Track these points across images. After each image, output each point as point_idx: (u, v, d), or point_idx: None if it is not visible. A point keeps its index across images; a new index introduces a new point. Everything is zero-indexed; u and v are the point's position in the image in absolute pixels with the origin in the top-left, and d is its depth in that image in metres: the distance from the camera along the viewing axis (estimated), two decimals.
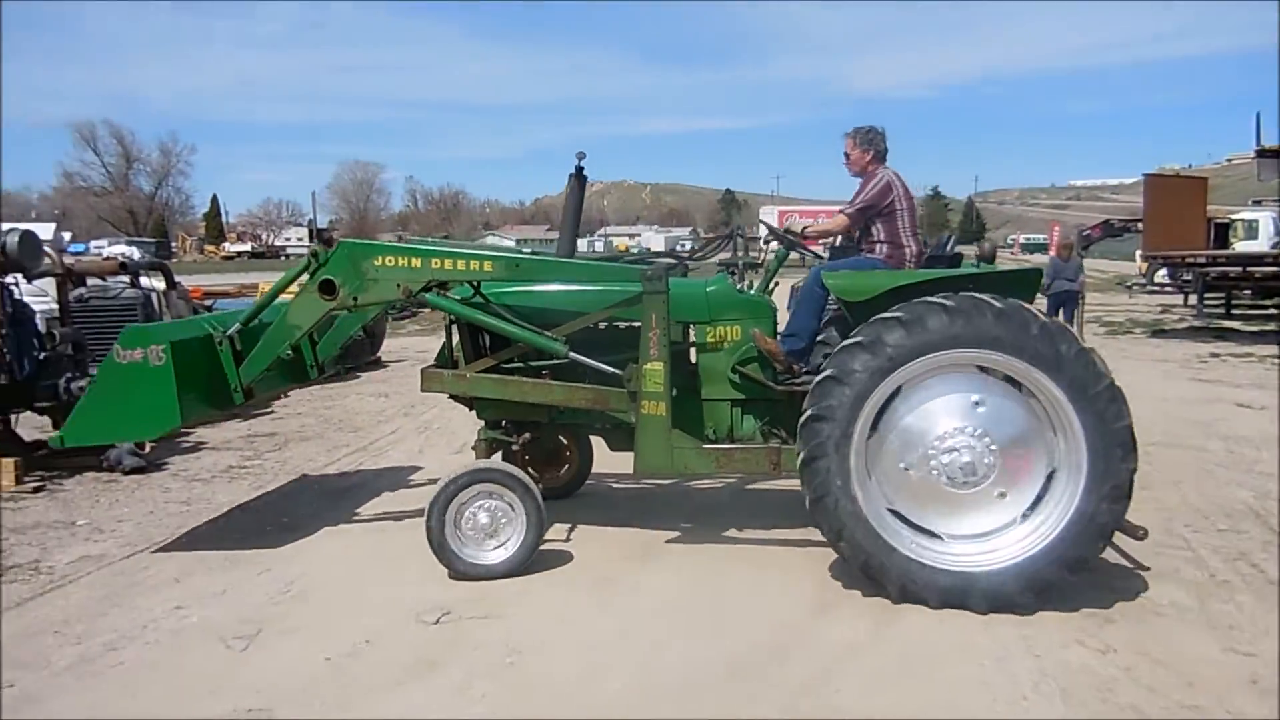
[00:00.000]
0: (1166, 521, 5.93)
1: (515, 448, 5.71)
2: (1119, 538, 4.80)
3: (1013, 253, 74.99)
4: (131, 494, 6.99)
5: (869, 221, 5.46)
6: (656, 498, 6.74)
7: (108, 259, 13.39)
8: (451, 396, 5.74)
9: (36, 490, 7.02)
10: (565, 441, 6.51)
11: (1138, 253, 30.46)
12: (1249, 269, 19.59)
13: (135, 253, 33.14)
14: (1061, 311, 15.31)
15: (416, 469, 7.63)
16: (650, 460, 5.07)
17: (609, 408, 5.24)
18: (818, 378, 4.60)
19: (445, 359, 5.68)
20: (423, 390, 5.58)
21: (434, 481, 5.36)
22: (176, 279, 11.43)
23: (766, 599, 4.74)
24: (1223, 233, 23.18)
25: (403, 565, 5.19)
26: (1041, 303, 15.77)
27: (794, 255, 6.10)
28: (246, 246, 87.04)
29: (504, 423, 5.66)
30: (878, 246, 5.42)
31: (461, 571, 4.98)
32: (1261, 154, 20.79)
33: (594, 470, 6.70)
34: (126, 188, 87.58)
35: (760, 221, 6.20)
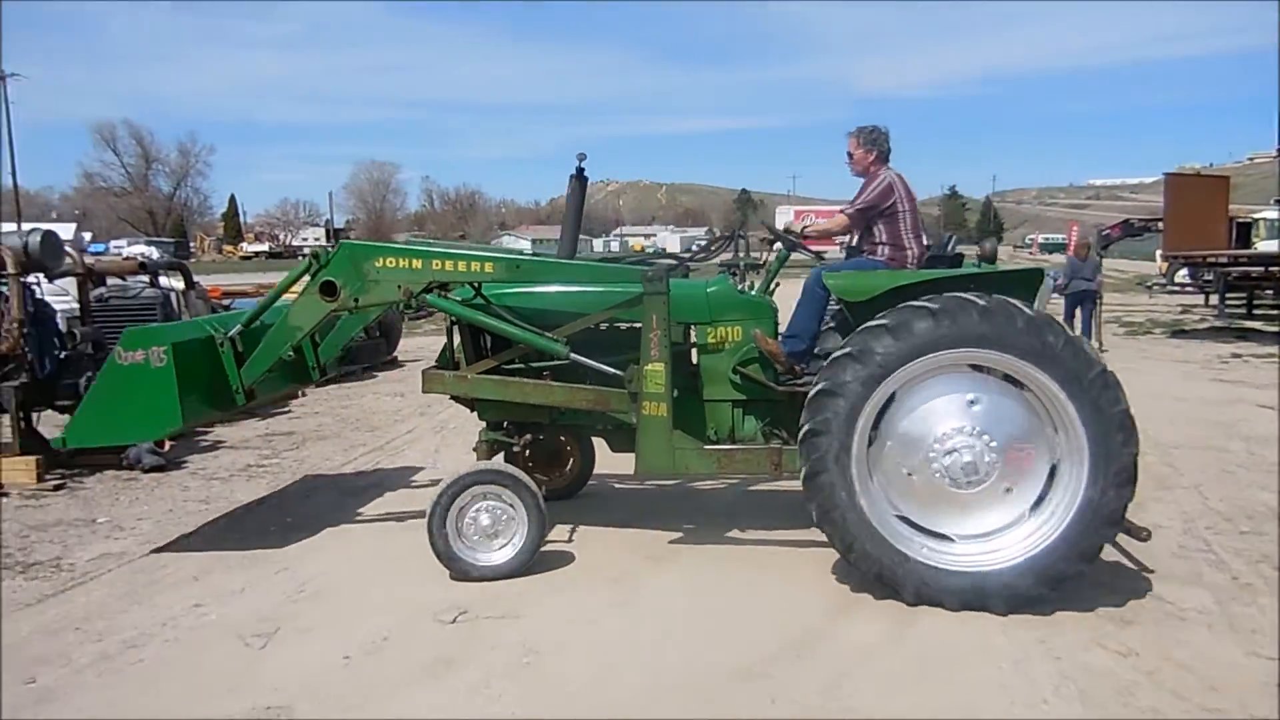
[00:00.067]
0: (1188, 524, 5.88)
1: (516, 449, 5.73)
2: (1138, 543, 4.76)
3: (1031, 252, 74.55)
4: (151, 492, 7.04)
5: (871, 223, 5.43)
6: (669, 498, 6.73)
7: (127, 259, 13.48)
8: (453, 398, 5.75)
9: (57, 488, 7.08)
10: (567, 442, 6.51)
11: (1158, 252, 30.19)
12: (1271, 269, 19.37)
13: (154, 253, 33.47)
14: (1079, 311, 15.22)
15: (433, 468, 7.65)
16: (651, 461, 5.06)
17: (610, 409, 5.24)
18: (811, 392, 4.61)
19: (447, 360, 5.68)
20: (424, 392, 5.58)
21: None
22: (195, 279, 11.50)
23: (781, 600, 4.72)
24: (1245, 232, 22.96)
25: (420, 564, 5.19)
26: (1059, 302, 15.77)
27: (804, 256, 6.07)
28: (264, 247, 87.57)
29: (505, 424, 5.67)
30: (879, 248, 5.40)
31: (463, 573, 4.98)
32: None
33: (606, 471, 6.69)
34: (146, 188, 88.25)
35: (762, 223, 6.20)
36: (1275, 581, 4.90)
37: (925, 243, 5.53)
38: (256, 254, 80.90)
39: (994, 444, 4.51)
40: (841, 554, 4.65)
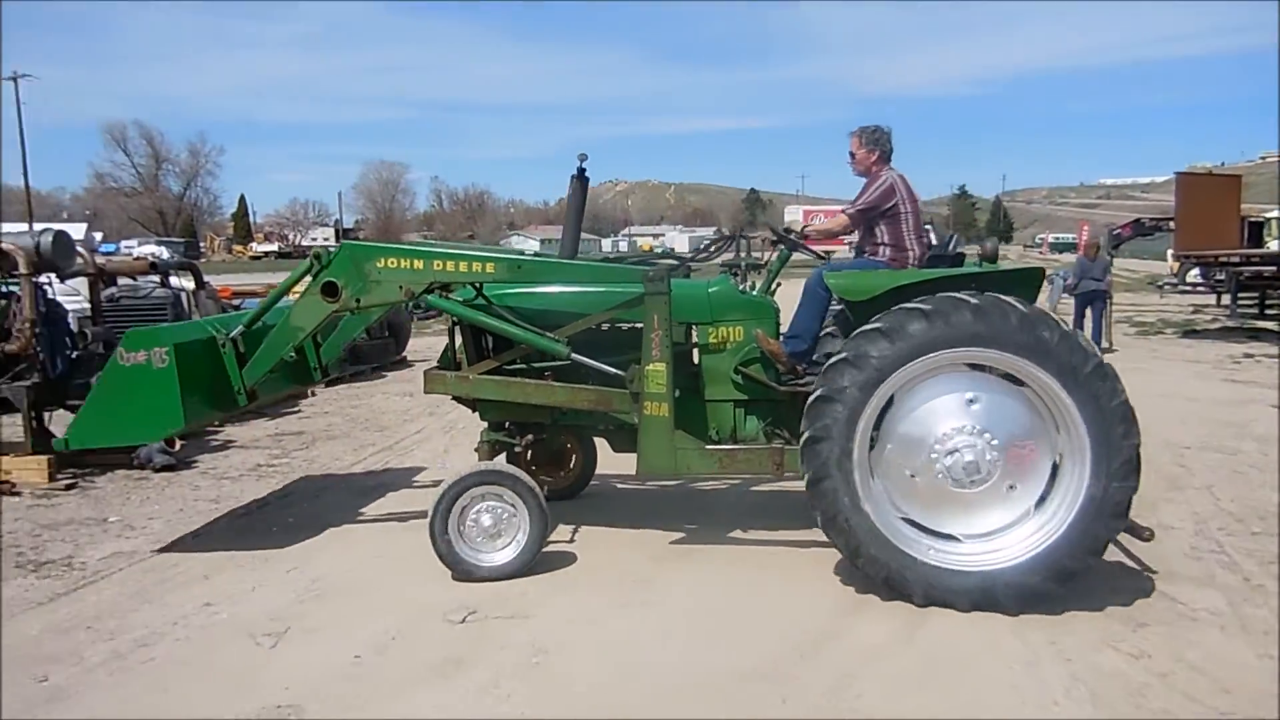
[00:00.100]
0: (1200, 525, 5.85)
1: (518, 449, 5.73)
2: (1153, 545, 4.73)
3: (1041, 252, 74.26)
4: (162, 491, 7.07)
5: (873, 223, 5.42)
6: (675, 499, 6.72)
7: (138, 259, 13.56)
8: (455, 398, 5.75)
9: (69, 487, 7.12)
10: (569, 443, 6.51)
11: (1169, 252, 29.99)
12: None
13: (164, 253, 33.54)
14: (1090, 311, 15.18)
15: (442, 468, 7.66)
16: (653, 461, 5.06)
17: (611, 409, 5.24)
18: (809, 399, 4.60)
19: (448, 361, 5.69)
20: (426, 392, 5.58)
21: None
22: (205, 279, 11.55)
23: (789, 600, 4.72)
24: (1257, 231, 22.79)
25: (428, 564, 5.19)
26: (1070, 302, 15.72)
27: (806, 256, 6.06)
28: (274, 246, 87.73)
29: (507, 424, 5.67)
30: (881, 248, 5.39)
31: (465, 574, 4.98)
32: None
33: (612, 472, 6.69)
34: (156, 188, 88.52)
35: (765, 224, 6.19)
36: None
37: (930, 241, 5.52)
38: (266, 254, 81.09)
39: (995, 442, 4.51)
40: (849, 559, 4.64)
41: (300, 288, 5.56)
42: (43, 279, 8.21)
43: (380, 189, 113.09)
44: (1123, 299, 24.12)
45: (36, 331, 7.66)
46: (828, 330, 5.49)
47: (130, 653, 4.23)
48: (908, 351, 4.45)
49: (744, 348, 5.32)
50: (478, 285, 5.36)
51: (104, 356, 7.96)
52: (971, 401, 4.56)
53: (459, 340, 5.60)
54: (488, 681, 3.90)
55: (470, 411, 5.85)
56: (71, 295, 10.82)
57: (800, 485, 4.73)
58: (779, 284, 5.99)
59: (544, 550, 5.42)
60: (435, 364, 5.84)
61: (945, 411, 4.57)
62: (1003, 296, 4.47)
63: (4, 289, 8.30)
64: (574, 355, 5.12)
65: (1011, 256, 69.01)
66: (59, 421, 8.02)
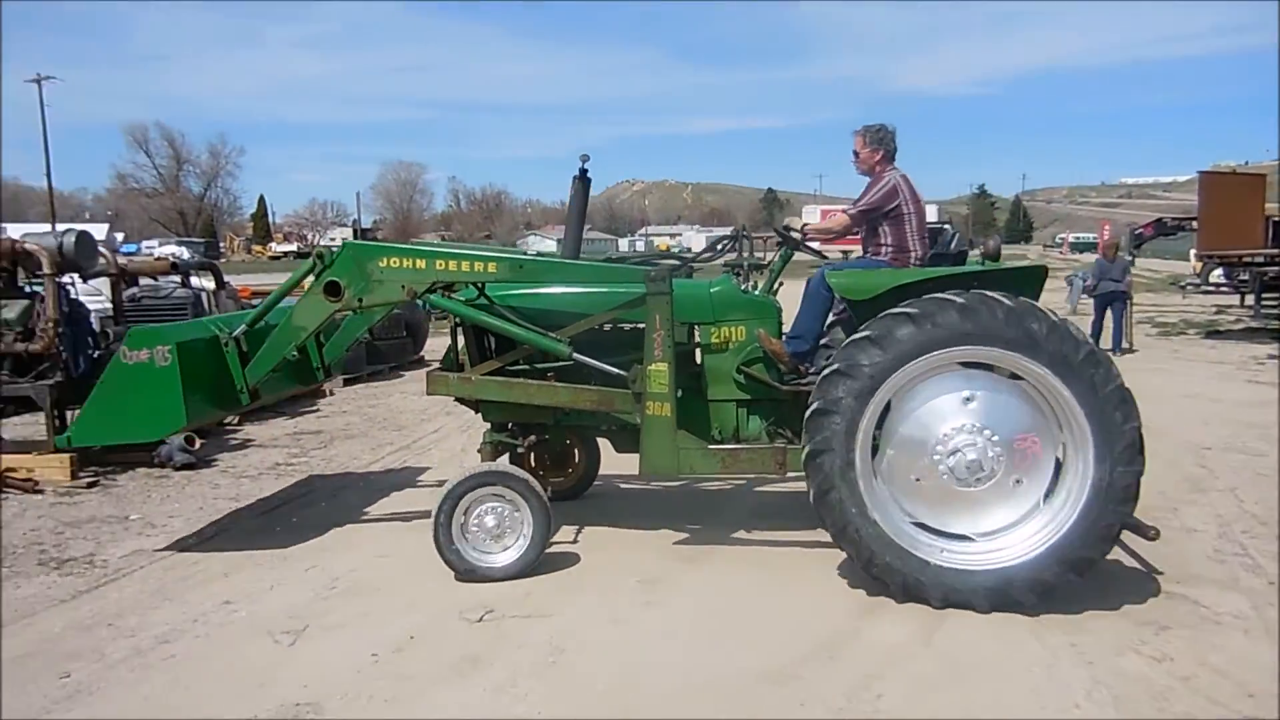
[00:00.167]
0: (1223, 527, 5.79)
1: (521, 450, 5.73)
2: (1175, 548, 4.69)
3: (1061, 252, 73.71)
4: (182, 490, 7.12)
5: (876, 224, 5.40)
6: (690, 499, 6.71)
7: (159, 259, 13.67)
8: (457, 399, 5.75)
9: (91, 485, 7.18)
10: (572, 443, 6.51)
11: (1192, 252, 29.69)
12: None
13: (185, 253, 33.90)
14: (1109, 312, 15.09)
15: (459, 467, 7.68)
16: (655, 462, 5.05)
17: (614, 409, 5.23)
18: (807, 413, 4.60)
19: (451, 362, 5.69)
20: (429, 394, 5.59)
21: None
22: (225, 279, 11.64)
23: (809, 601, 4.70)
24: None
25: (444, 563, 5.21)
26: (1090, 303, 15.60)
27: (810, 256, 6.02)
28: (293, 246, 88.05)
29: (510, 425, 5.67)
30: (884, 249, 5.37)
31: (468, 574, 4.98)
32: None
33: (631, 472, 6.68)
34: (177, 189, 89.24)
35: (769, 225, 6.17)
36: None
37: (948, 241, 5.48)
38: (285, 254, 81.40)
39: (996, 438, 4.50)
40: (863, 568, 4.62)
41: (303, 287, 5.58)
42: (66, 279, 8.29)
43: (398, 189, 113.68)
44: (1144, 299, 23.89)
45: (60, 331, 7.74)
46: (830, 328, 5.46)
47: (151, 650, 4.26)
48: (899, 357, 4.46)
49: (746, 347, 5.31)
50: (480, 285, 5.37)
51: None
52: (968, 400, 4.56)
53: (462, 341, 5.61)
54: (505, 680, 3.91)
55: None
56: (94, 295, 10.93)
57: (805, 484, 4.71)
58: (781, 284, 5.97)
59: (559, 551, 5.44)
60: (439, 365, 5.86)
61: (943, 412, 4.57)
62: (988, 293, 4.46)
63: (28, 289, 8.40)
64: (576, 355, 5.12)
65: (1031, 256, 68.58)
66: None
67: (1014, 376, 4.58)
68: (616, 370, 5.11)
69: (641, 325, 5.00)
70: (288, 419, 10.05)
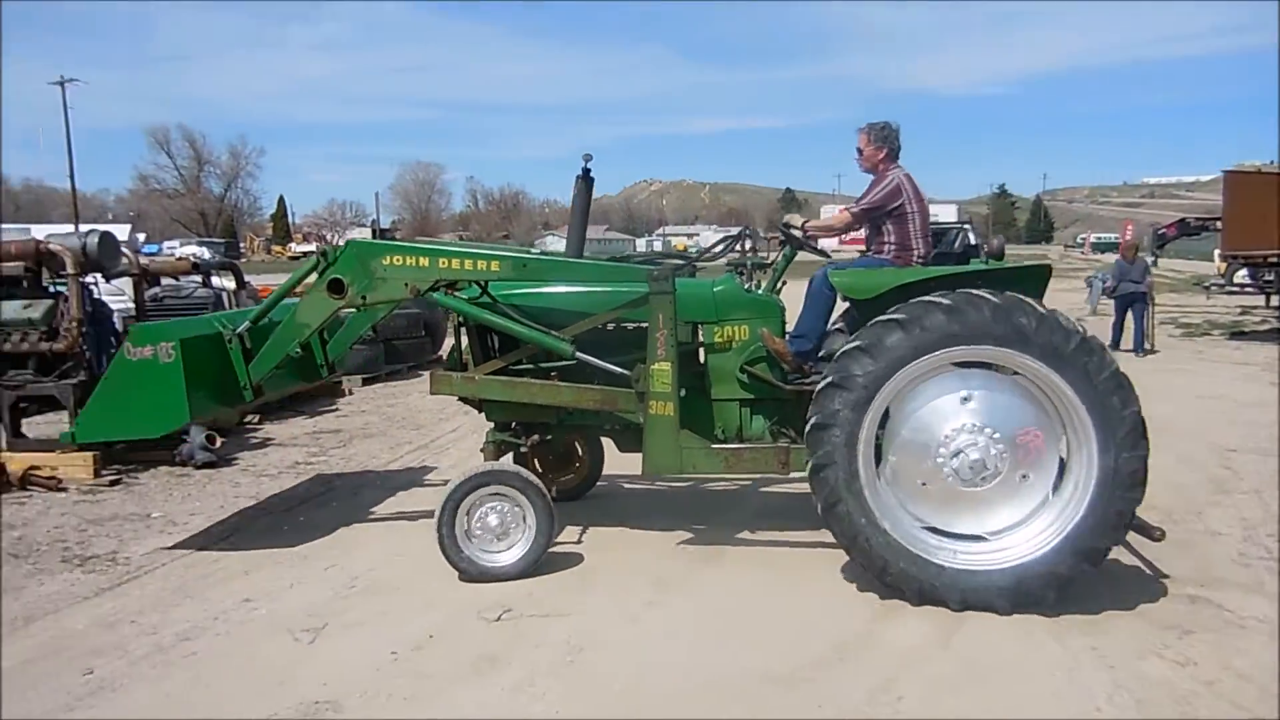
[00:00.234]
0: (1248, 530, 5.72)
1: (524, 449, 5.72)
2: (1198, 551, 4.63)
3: (1083, 252, 73.08)
4: (203, 488, 7.17)
5: (879, 222, 5.38)
6: (709, 499, 6.70)
7: (180, 259, 13.78)
8: (461, 399, 5.75)
9: (113, 483, 7.24)
10: (575, 443, 6.50)
11: (1216, 252, 29.40)
12: None
13: (205, 253, 34.12)
14: (1130, 313, 14.98)
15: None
16: (658, 461, 5.04)
17: (617, 409, 5.22)
18: (807, 427, 4.59)
19: (455, 361, 5.68)
20: (432, 393, 5.58)
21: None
22: (245, 278, 11.72)
23: (824, 602, 4.68)
24: None
25: None
26: (1110, 304, 15.46)
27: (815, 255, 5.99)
28: (312, 247, 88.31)
29: (513, 424, 5.67)
30: (886, 247, 5.36)
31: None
32: None
33: (636, 472, 6.67)
34: (198, 190, 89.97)
35: (772, 223, 6.14)
36: None
37: (969, 241, 5.44)
38: (305, 254, 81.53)
39: (998, 435, 4.49)
40: (877, 578, 4.60)
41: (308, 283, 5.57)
42: (89, 279, 8.37)
43: (417, 189, 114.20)
44: (1168, 300, 23.69)
45: (83, 330, 7.81)
46: (834, 329, 5.44)
47: (172, 647, 4.29)
48: (891, 364, 4.46)
49: (749, 347, 5.30)
50: (483, 284, 5.38)
51: None
52: (966, 400, 4.55)
53: (465, 341, 5.62)
54: (523, 679, 3.91)
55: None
56: (116, 295, 11.04)
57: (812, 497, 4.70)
58: (784, 283, 5.94)
59: (574, 551, 5.47)
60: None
61: (942, 414, 4.55)
62: (974, 291, 4.44)
63: (52, 289, 8.48)
64: (579, 355, 5.11)
65: (1052, 256, 68.09)
66: None
67: (1016, 372, 4.57)
68: (620, 370, 5.11)
69: (645, 324, 4.99)
70: (307, 418, 10.12)
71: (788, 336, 5.33)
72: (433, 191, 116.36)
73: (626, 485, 6.92)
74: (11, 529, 6.12)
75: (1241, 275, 26.38)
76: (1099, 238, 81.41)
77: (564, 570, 5.17)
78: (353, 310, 5.69)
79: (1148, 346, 14.92)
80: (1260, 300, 23.27)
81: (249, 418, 9.56)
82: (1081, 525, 4.40)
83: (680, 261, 5.60)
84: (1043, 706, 3.64)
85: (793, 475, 5.18)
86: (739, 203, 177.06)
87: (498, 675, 3.97)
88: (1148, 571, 5.01)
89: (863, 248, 6.08)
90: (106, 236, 8.49)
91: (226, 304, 10.96)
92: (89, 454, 7.32)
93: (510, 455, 5.71)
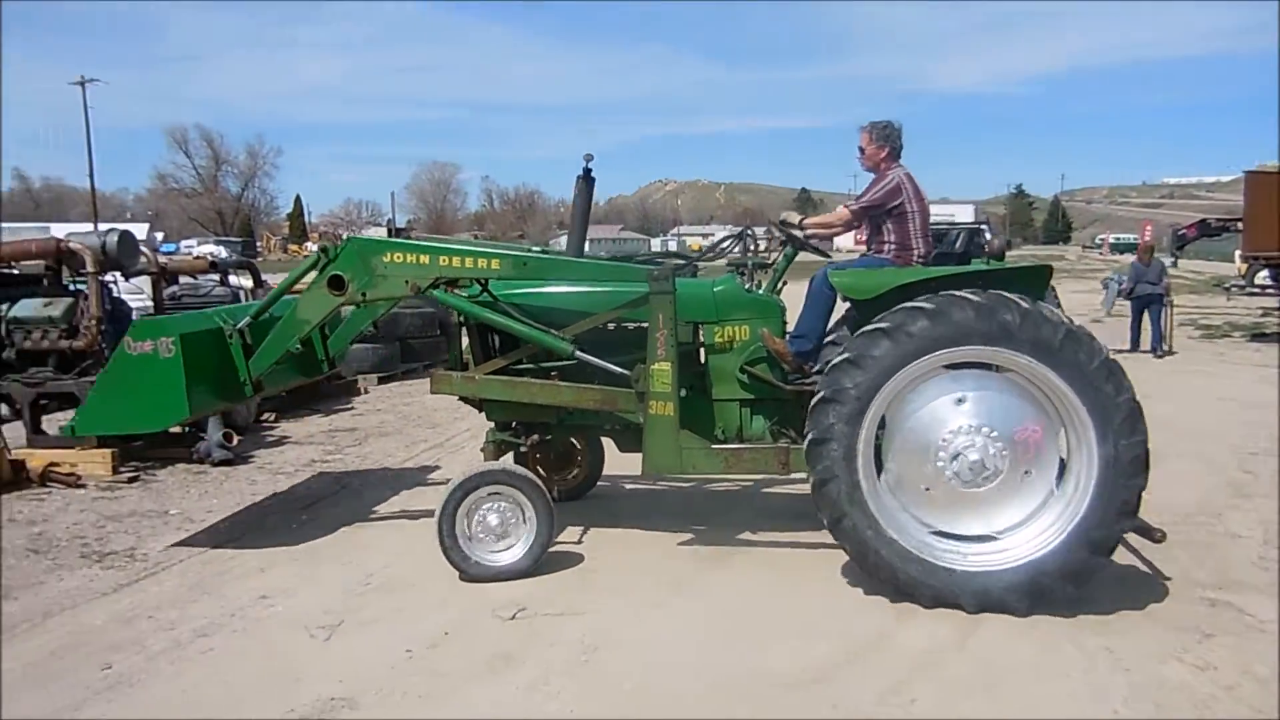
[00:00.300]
0: (1269, 533, 5.67)
1: (524, 449, 5.72)
2: (1221, 553, 4.57)
3: (1101, 253, 72.56)
4: (220, 486, 7.22)
5: (879, 221, 5.36)
6: (723, 500, 6.69)
7: (198, 258, 13.89)
8: (461, 398, 5.75)
9: (131, 480, 7.29)
10: (576, 443, 6.49)
11: (1237, 253, 29.16)
12: None
13: (223, 252, 34.38)
14: (1147, 315, 14.89)
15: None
16: (658, 461, 5.03)
17: (617, 408, 5.22)
18: (805, 442, 4.60)
19: (455, 361, 5.69)
20: (432, 392, 5.59)
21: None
22: (263, 277, 11.79)
23: (841, 603, 4.67)
24: None
25: None
26: (1126, 305, 15.35)
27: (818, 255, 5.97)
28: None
29: (514, 424, 5.67)
30: (886, 246, 5.34)
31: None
32: None
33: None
34: (215, 189, 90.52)
35: (769, 220, 6.11)
36: None
37: (986, 239, 5.42)
38: None
39: (995, 434, 4.48)
40: (890, 586, 4.58)
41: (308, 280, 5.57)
42: (108, 278, 8.44)
43: (432, 189, 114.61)
44: (1187, 301, 23.50)
45: (102, 329, 7.88)
46: (834, 334, 5.42)
47: (190, 643, 4.32)
48: (880, 373, 4.46)
49: (750, 347, 5.29)
50: (484, 282, 5.38)
51: None
52: (961, 401, 4.54)
53: (466, 341, 5.62)
54: (537, 678, 3.92)
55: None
56: (135, 293, 11.13)
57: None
58: (785, 283, 5.93)
59: (587, 550, 5.48)
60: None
61: (938, 418, 4.54)
62: (957, 292, 4.43)
63: (72, 287, 8.56)
64: (579, 354, 5.11)
65: (1070, 257, 67.69)
66: None
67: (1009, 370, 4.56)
68: (620, 370, 5.10)
69: (645, 324, 4.98)
70: (323, 416, 10.16)
71: (788, 336, 5.32)
72: (448, 191, 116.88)
73: (628, 485, 6.91)
74: (31, 525, 6.18)
75: (1262, 276, 26.12)
76: (1117, 238, 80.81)
77: (576, 569, 5.18)
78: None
79: (1166, 348, 14.83)
80: None
81: (265, 416, 9.62)
82: (1089, 516, 4.38)
83: (680, 261, 5.60)
84: (1059, 709, 3.61)
85: (797, 475, 5.16)
86: (754, 202, 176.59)
87: (512, 674, 3.97)
88: (1166, 574, 4.96)
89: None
90: (126, 235, 8.57)
91: (244, 302, 11.02)
92: (108, 451, 7.38)
93: (510, 455, 5.72)
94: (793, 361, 5.19)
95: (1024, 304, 4.37)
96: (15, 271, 8.56)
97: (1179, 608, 4.53)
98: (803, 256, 5.82)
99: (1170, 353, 14.75)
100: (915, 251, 5.31)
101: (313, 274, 5.42)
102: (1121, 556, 5.16)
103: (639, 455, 5.15)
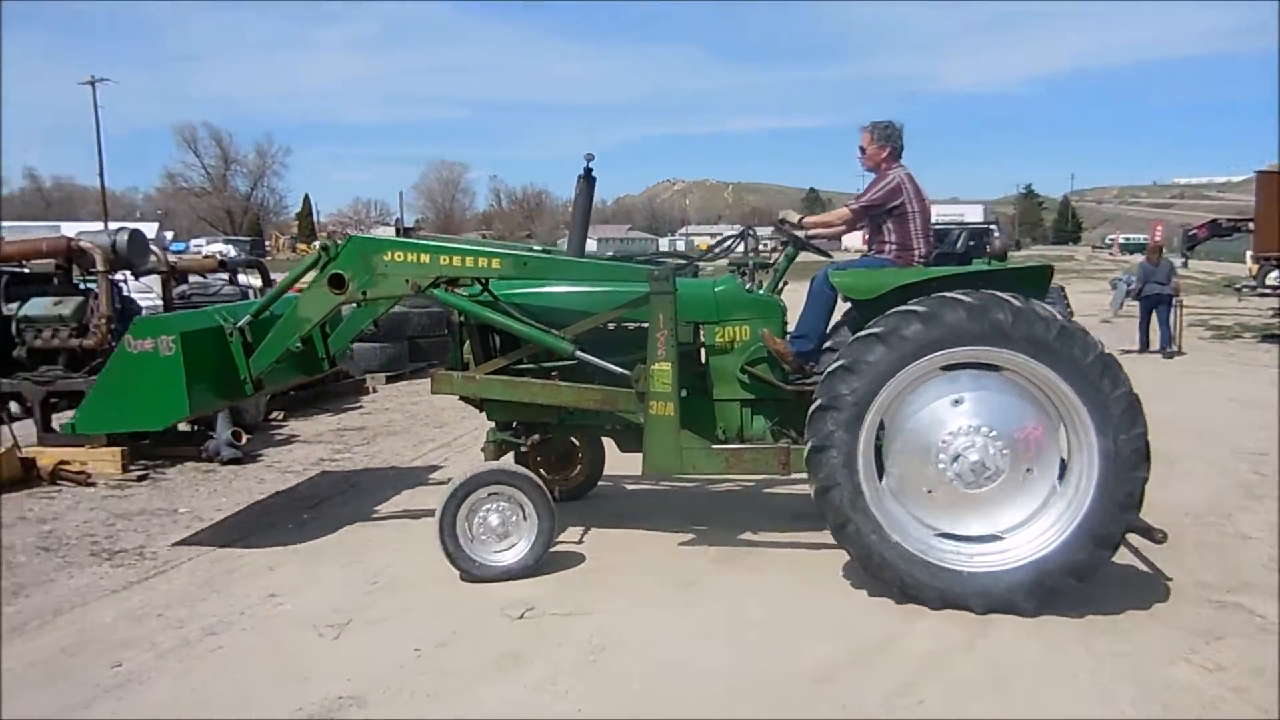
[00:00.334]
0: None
1: (525, 449, 5.72)
2: (1231, 554, 4.56)
3: (1111, 253, 72.28)
4: (229, 484, 7.24)
5: (880, 221, 5.36)
6: (731, 501, 6.69)
7: (207, 257, 13.94)
8: (462, 398, 5.76)
9: (140, 479, 7.32)
10: (576, 443, 6.49)
11: (1248, 254, 29.04)
12: None
13: (232, 251, 34.50)
14: (1155, 315, 14.84)
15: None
16: (658, 461, 5.03)
17: (618, 409, 5.22)
18: (806, 450, 4.60)
19: (456, 361, 5.71)
20: (433, 392, 5.59)
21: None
22: (272, 276, 11.82)
23: (850, 604, 4.66)
24: None
25: None
26: (1135, 306, 15.29)
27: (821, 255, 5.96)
28: None
29: (514, 424, 5.68)
30: (887, 246, 5.34)
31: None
32: None
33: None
34: (224, 188, 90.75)
35: (773, 223, 6.10)
36: None
37: (996, 239, 5.41)
38: None
39: (994, 433, 4.47)
40: (897, 589, 4.57)
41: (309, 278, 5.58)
42: (118, 276, 8.47)
43: (440, 188, 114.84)
44: (1198, 302, 23.39)
45: (113, 327, 7.91)
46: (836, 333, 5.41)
47: (199, 641, 4.34)
48: (876, 378, 4.46)
49: (750, 347, 5.28)
50: (484, 281, 5.38)
51: None
52: (958, 402, 4.53)
53: (467, 341, 5.62)
54: (545, 678, 3.92)
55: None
56: (145, 292, 11.18)
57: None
58: (785, 283, 5.93)
59: (595, 550, 5.48)
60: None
61: (935, 421, 4.54)
62: (948, 294, 4.43)
63: (82, 286, 8.60)
64: (579, 354, 5.11)
65: (1079, 257, 67.43)
66: None
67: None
68: (620, 370, 5.10)
69: (645, 324, 4.98)
70: (331, 415, 10.19)
71: (789, 337, 5.31)
72: (456, 190, 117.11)
73: (630, 485, 6.91)
74: (42, 523, 6.21)
75: (1274, 277, 26.00)
76: (1128, 239, 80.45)
77: (583, 570, 5.19)
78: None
79: (1175, 348, 14.78)
80: None
81: (274, 414, 9.65)
82: (1092, 511, 4.38)
83: (681, 261, 5.59)
84: (1066, 710, 3.60)
85: (800, 475, 5.14)
86: (762, 202, 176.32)
87: (521, 673, 3.98)
88: (1175, 576, 4.95)
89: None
90: (136, 234, 8.61)
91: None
92: (117, 449, 7.42)
93: (511, 455, 5.72)
94: (793, 362, 5.18)
95: (1016, 302, 4.37)
96: (26, 270, 8.61)
97: (1188, 609, 4.52)
98: (804, 256, 5.82)
99: (1180, 353, 14.70)
100: (916, 252, 5.30)
101: (313, 272, 5.43)
102: (1130, 558, 5.15)
103: (640, 455, 5.15)
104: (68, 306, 8.06)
